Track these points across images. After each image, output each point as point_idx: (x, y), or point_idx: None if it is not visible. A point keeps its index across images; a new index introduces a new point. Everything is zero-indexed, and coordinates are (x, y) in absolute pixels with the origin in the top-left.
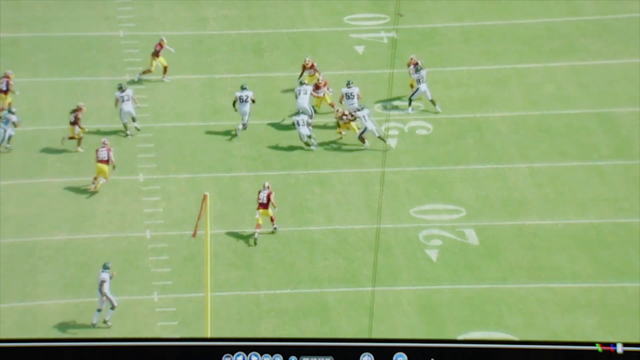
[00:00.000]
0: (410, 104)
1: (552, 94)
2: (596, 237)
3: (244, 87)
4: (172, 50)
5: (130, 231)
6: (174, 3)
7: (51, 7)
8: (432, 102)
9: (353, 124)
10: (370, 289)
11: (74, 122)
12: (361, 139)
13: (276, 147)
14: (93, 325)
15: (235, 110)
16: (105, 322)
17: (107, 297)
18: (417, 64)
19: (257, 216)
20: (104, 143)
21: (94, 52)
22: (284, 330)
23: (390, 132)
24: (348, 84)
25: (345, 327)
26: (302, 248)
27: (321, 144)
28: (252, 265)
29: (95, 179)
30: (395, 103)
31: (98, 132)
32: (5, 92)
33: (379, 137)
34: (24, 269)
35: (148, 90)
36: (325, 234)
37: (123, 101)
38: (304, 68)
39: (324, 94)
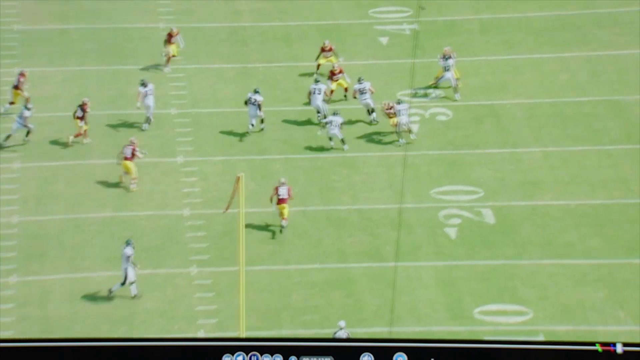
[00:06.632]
0: (436, 86)
1: (565, 82)
2: (605, 216)
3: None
4: (182, 44)
5: (170, 209)
6: None
7: (97, 1)
8: (455, 89)
9: (396, 119)
10: (392, 264)
11: (81, 117)
12: (398, 134)
13: (306, 131)
14: (134, 297)
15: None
16: (110, 291)
17: (127, 272)
18: (445, 55)
19: (276, 211)
20: (131, 142)
21: (136, 42)
22: (312, 302)
23: (412, 118)
24: (359, 80)
25: (369, 299)
26: (329, 225)
27: (347, 129)
28: (282, 241)
29: (124, 174)
30: (417, 91)
31: (139, 115)
32: (17, 87)
33: (408, 129)
34: (72, 243)
35: (186, 78)
36: (351, 213)
37: (146, 95)
38: (322, 50)
39: (338, 81)
